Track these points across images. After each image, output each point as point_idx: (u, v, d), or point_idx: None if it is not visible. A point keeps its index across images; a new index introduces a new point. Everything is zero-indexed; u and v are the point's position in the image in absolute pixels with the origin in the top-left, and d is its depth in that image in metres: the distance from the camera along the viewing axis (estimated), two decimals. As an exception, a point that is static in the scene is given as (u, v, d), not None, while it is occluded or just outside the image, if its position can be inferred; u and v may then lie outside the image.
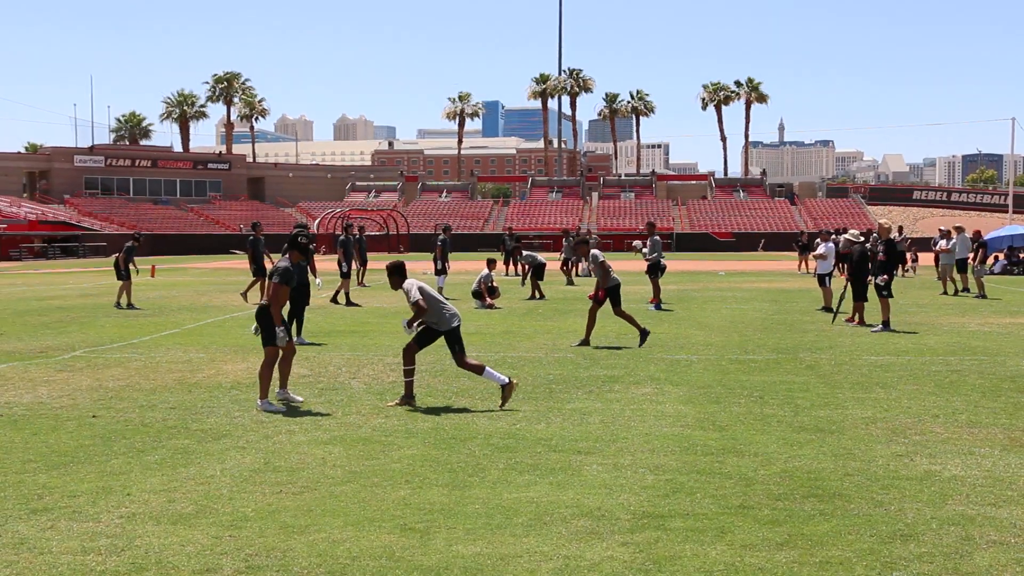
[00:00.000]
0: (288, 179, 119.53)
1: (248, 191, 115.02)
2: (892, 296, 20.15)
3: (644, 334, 17.32)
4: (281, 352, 11.73)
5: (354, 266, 31.61)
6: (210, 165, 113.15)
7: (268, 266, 25.46)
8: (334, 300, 26.59)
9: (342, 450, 9.24)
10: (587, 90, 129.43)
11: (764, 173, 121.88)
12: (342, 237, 28.51)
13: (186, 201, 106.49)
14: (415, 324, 11.49)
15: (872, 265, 20.52)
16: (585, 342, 17.31)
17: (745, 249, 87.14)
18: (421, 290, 11.50)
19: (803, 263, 44.78)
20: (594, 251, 17.98)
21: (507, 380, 11.43)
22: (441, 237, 29.55)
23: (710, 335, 18.97)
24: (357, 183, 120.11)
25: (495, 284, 26.70)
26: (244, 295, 27.21)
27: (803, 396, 12.02)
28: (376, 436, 9.84)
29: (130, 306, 25.79)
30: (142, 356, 16.11)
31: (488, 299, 25.93)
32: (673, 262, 55.12)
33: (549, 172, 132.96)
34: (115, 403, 11.79)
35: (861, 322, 20.48)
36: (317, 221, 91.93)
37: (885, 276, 19.74)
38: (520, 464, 8.67)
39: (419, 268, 50.72)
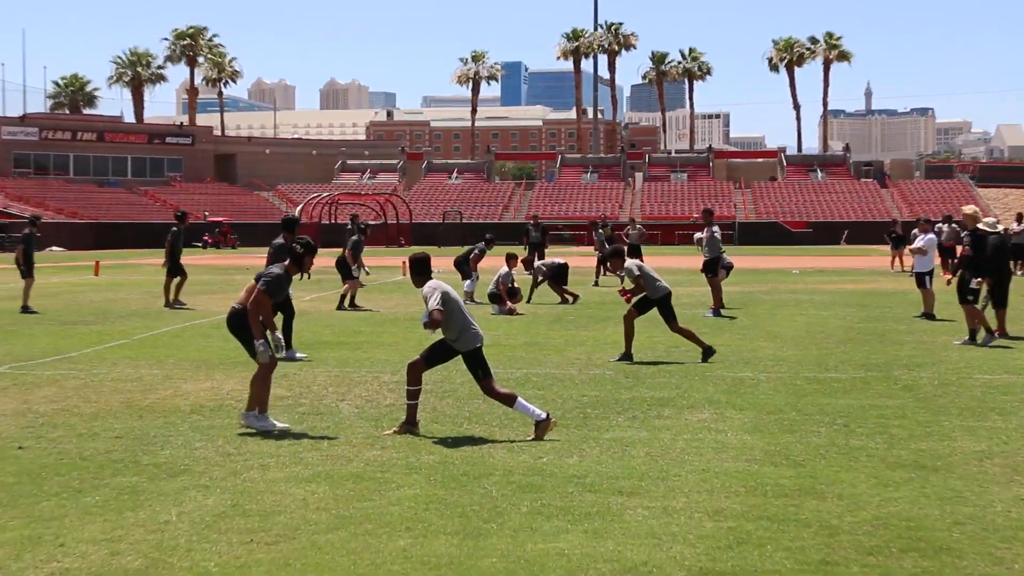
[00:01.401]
0: (264, 156, 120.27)
1: (215, 171, 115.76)
2: (975, 302, 19.59)
3: (708, 352, 17.30)
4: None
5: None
6: (169, 139, 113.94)
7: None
8: (341, 307, 26.69)
9: (328, 489, 9.19)
10: (629, 48, 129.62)
11: (847, 149, 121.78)
12: (355, 237, 28.16)
13: (140, 183, 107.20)
14: (432, 330, 11.48)
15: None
16: (627, 356, 17.21)
17: (824, 242, 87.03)
18: (445, 296, 11.42)
19: (897, 259, 44.60)
20: (629, 264, 17.37)
21: (544, 416, 11.32)
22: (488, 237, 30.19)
23: (782, 348, 18.88)
24: (348, 161, 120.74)
25: (516, 285, 26.64)
26: (170, 303, 27.09)
27: (899, 424, 11.92)
28: (370, 472, 9.79)
29: (25, 309, 25.85)
30: (81, 373, 16.10)
31: (508, 303, 25.88)
32: (735, 258, 54.96)
33: (583, 148, 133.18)
34: (47, 431, 11.78)
35: (1003, 333, 20.12)
36: (300, 208, 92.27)
37: (979, 279, 19.33)
38: (547, 507, 8.61)
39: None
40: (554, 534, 7.90)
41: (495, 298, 26.12)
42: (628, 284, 17.78)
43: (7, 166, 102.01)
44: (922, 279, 24.33)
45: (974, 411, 12.73)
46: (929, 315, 23.76)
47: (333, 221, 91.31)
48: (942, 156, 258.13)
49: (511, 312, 25.54)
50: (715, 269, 25.25)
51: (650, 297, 17.35)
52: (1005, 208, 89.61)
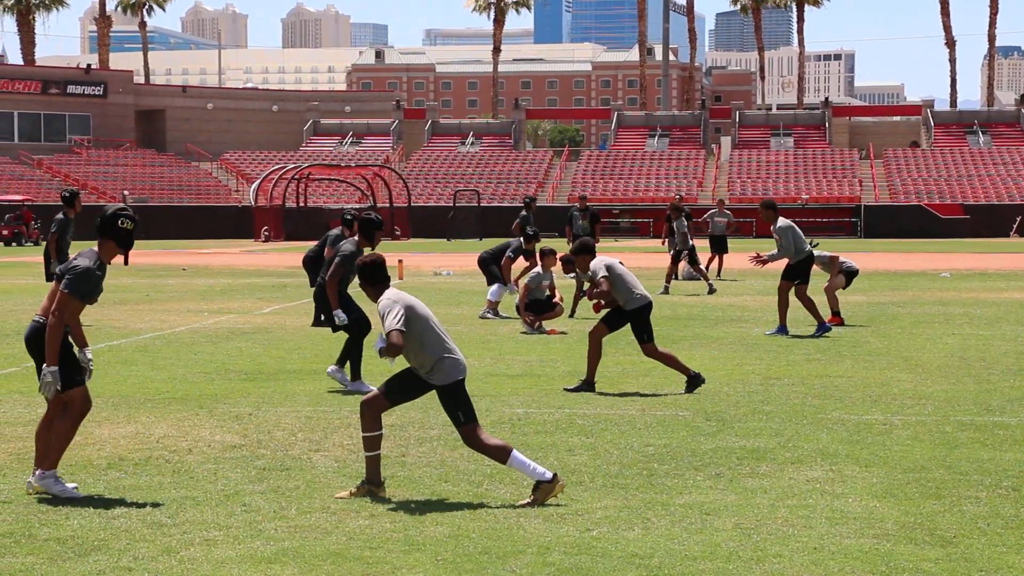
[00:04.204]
0: (205, 113, 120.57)
1: (137, 132, 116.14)
2: None
3: (694, 381, 17.87)
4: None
5: None
6: (72, 88, 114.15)
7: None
8: (318, 322, 26.86)
9: (297, 572, 9.28)
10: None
11: (1022, 101, 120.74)
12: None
13: (30, 149, 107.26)
14: (391, 358, 11.50)
15: None
16: (588, 384, 18.04)
17: (987, 233, 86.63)
18: (409, 312, 11.49)
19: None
20: (597, 264, 18.06)
21: (549, 476, 11.35)
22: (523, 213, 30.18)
23: (924, 381, 18.90)
24: (322, 121, 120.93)
25: (556, 293, 26.71)
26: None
27: (1088, 486, 11.91)
28: (355, 549, 9.87)
29: None
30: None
31: (540, 319, 25.90)
32: (858, 256, 54.91)
33: (648, 103, 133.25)
34: (-87, 490, 11.86)
35: None
36: (255, 185, 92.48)
37: None
38: (599, 599, 8.66)
39: (430, 264, 50.95)
40: (608, 635, 7.98)
41: (537, 307, 26.13)
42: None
43: None
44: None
45: None
46: None
47: (301, 204, 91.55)
48: None
49: (543, 329, 25.59)
50: (800, 274, 25.18)
51: (623, 308, 17.88)
52: None
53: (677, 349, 22.86)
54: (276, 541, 10.11)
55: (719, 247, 42.85)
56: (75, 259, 11.92)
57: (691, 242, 38.57)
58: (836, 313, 26.81)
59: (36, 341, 11.79)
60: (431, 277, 43.89)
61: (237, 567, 9.40)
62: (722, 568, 9.34)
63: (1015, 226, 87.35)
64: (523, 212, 29.98)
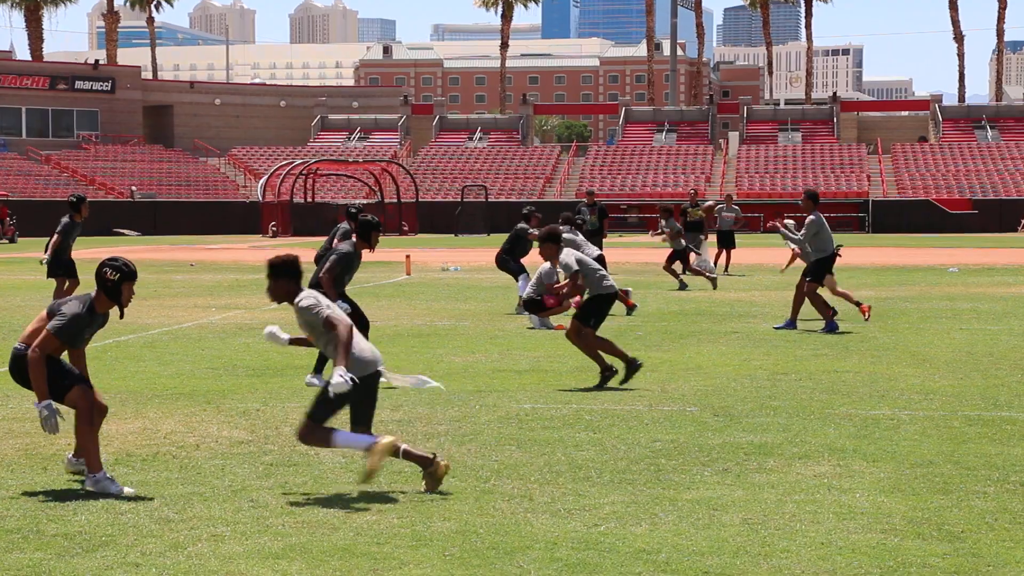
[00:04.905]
0: (213, 108, 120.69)
1: (145, 128, 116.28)
2: None
3: (632, 367, 18.05)
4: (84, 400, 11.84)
5: None
6: (80, 84, 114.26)
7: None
8: None
9: (304, 568, 9.28)
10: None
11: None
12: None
13: (38, 144, 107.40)
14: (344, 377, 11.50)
15: None
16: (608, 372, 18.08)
17: (995, 228, 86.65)
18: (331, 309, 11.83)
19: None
20: (566, 256, 18.24)
21: (374, 440, 11.51)
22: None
23: (932, 376, 18.91)
24: (330, 116, 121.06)
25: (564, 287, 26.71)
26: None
27: (1096, 482, 11.92)
28: (362, 545, 9.89)
29: None
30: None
31: (550, 313, 25.92)
32: (866, 251, 54.88)
33: (656, 98, 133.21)
34: (-79, 486, 11.88)
35: None
36: (263, 181, 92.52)
37: None
38: (606, 594, 8.67)
39: (437, 260, 50.95)
40: (615, 630, 7.99)
41: (534, 305, 26.15)
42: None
43: None
44: None
45: None
46: None
47: (309, 199, 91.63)
48: None
49: (551, 324, 25.61)
50: (822, 273, 25.20)
51: (591, 293, 18.23)
52: None
53: (685, 344, 22.91)
54: (284, 536, 10.12)
55: (727, 242, 42.89)
56: (69, 300, 11.82)
57: (683, 241, 38.13)
58: (857, 304, 26.76)
59: (17, 369, 11.86)
60: (438, 273, 43.90)
61: (245, 563, 9.41)
62: (729, 563, 9.35)
63: (1023, 222, 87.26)
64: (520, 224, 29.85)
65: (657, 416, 15.60)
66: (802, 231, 25.37)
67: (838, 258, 25.81)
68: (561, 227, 27.82)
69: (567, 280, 18.26)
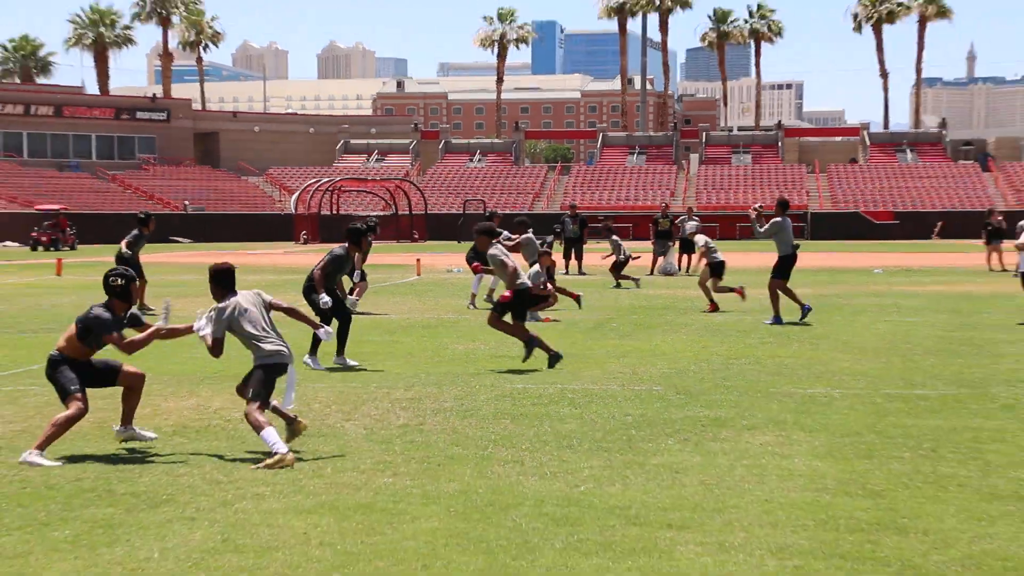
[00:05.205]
0: (252, 135, 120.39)
1: (196, 151, 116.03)
2: None
3: (530, 347, 18.13)
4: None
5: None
6: (140, 114, 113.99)
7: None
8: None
9: (332, 522, 9.33)
10: (684, 5, 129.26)
11: (944, 125, 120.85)
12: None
13: (105, 166, 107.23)
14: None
15: None
16: (552, 356, 18.22)
17: (913, 235, 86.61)
18: (228, 316, 12.27)
19: (994, 256, 44.22)
20: (492, 251, 18.44)
21: (284, 450, 11.51)
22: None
23: (860, 360, 18.92)
24: (352, 141, 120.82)
25: (549, 286, 26.76)
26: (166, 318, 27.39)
27: (996, 449, 11.99)
28: (381, 502, 9.94)
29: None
30: (44, 389, 16.17)
31: (539, 307, 25.96)
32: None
33: (628, 125, 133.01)
34: (6, 456, 11.95)
35: None
36: (295, 196, 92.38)
37: None
38: (585, 543, 8.74)
39: (443, 263, 50.93)
40: (593, 574, 8.03)
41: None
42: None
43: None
44: (1028, 280, 24.26)
45: (1084, 434, 12.79)
46: (1035, 322, 23.75)
47: (335, 212, 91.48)
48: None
49: (542, 317, 25.63)
50: (785, 271, 25.18)
51: (507, 287, 18.40)
52: None
53: (652, 334, 22.90)
54: (315, 495, 10.18)
55: (687, 248, 42.89)
56: (95, 310, 12.33)
57: (626, 252, 37.20)
58: (712, 301, 27.24)
59: (50, 375, 12.19)
60: (444, 274, 43.80)
61: (282, 517, 9.47)
62: (688, 517, 9.41)
63: (936, 230, 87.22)
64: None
65: (629, 394, 15.63)
66: (766, 226, 25.40)
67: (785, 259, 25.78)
68: (494, 225, 28.05)
69: (497, 265, 18.46)
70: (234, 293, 12.39)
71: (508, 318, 18.46)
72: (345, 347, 18.68)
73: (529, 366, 18.16)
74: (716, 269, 28.11)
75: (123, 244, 28.02)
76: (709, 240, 29.20)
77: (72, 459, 11.69)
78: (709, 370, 17.77)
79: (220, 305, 12.28)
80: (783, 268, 25.14)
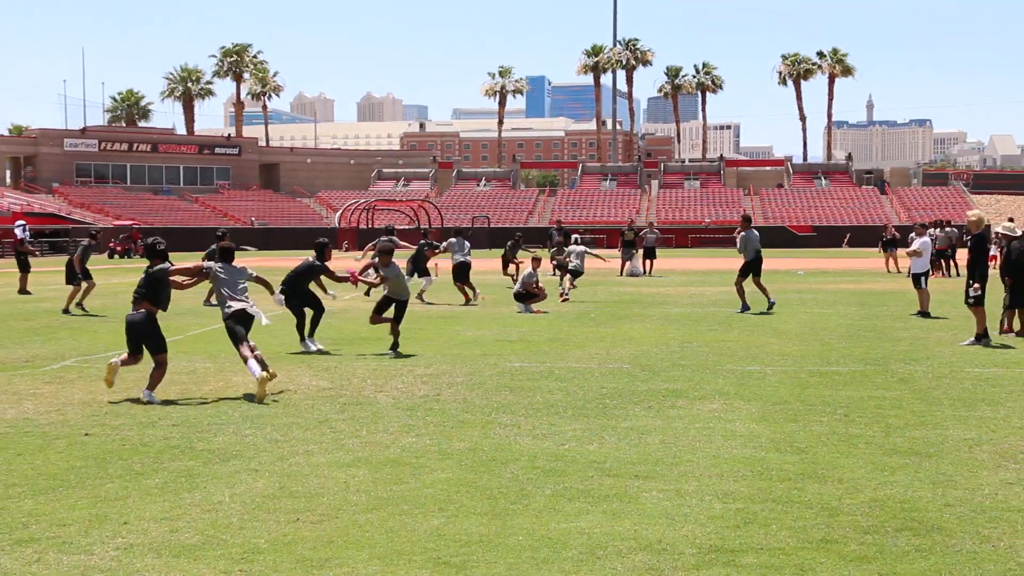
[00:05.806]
0: (306, 165, 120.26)
1: (261, 179, 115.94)
2: (982, 304, 18.78)
3: (394, 348, 17.68)
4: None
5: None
6: (218, 150, 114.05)
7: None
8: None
9: (367, 473, 9.28)
10: (646, 63, 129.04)
11: (850, 158, 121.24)
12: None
13: (191, 191, 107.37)
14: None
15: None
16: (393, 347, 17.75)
17: (827, 245, 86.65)
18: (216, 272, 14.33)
19: (891, 261, 44.42)
20: (394, 264, 18.45)
21: (260, 374, 13.02)
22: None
23: (787, 343, 18.87)
24: (384, 170, 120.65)
25: (541, 285, 26.69)
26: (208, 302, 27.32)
27: (895, 414, 11.93)
28: (405, 458, 9.88)
29: (79, 306, 26.21)
30: (141, 366, 16.18)
31: (532, 302, 25.90)
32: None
33: (602, 157, 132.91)
34: (110, 419, 11.89)
35: (1010, 330, 19.88)
36: (339, 214, 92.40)
37: (976, 284, 18.64)
38: (569, 490, 8.68)
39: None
40: (575, 515, 7.98)
41: (521, 298, 26.13)
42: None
43: (69, 175, 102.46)
44: (918, 279, 24.19)
45: (965, 402, 12.73)
46: (924, 313, 23.69)
47: (370, 226, 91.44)
48: (938, 164, 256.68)
49: (535, 311, 25.57)
50: (752, 270, 25.75)
51: (393, 297, 18.04)
52: (996, 213, 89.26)
53: (622, 323, 22.85)
54: (353, 452, 10.13)
55: (650, 255, 42.88)
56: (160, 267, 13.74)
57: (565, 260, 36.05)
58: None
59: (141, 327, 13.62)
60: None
61: (327, 470, 9.43)
62: (652, 469, 9.35)
63: (845, 240, 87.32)
64: (510, 243, 30.23)
65: (604, 371, 15.57)
66: (738, 243, 26.30)
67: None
68: (384, 239, 27.92)
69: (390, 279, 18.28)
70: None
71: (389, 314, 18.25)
72: (315, 332, 18.77)
73: (525, 348, 18.09)
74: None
75: (203, 257, 27.65)
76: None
77: (160, 422, 11.61)
78: (667, 352, 17.71)
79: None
80: (748, 269, 25.78)
